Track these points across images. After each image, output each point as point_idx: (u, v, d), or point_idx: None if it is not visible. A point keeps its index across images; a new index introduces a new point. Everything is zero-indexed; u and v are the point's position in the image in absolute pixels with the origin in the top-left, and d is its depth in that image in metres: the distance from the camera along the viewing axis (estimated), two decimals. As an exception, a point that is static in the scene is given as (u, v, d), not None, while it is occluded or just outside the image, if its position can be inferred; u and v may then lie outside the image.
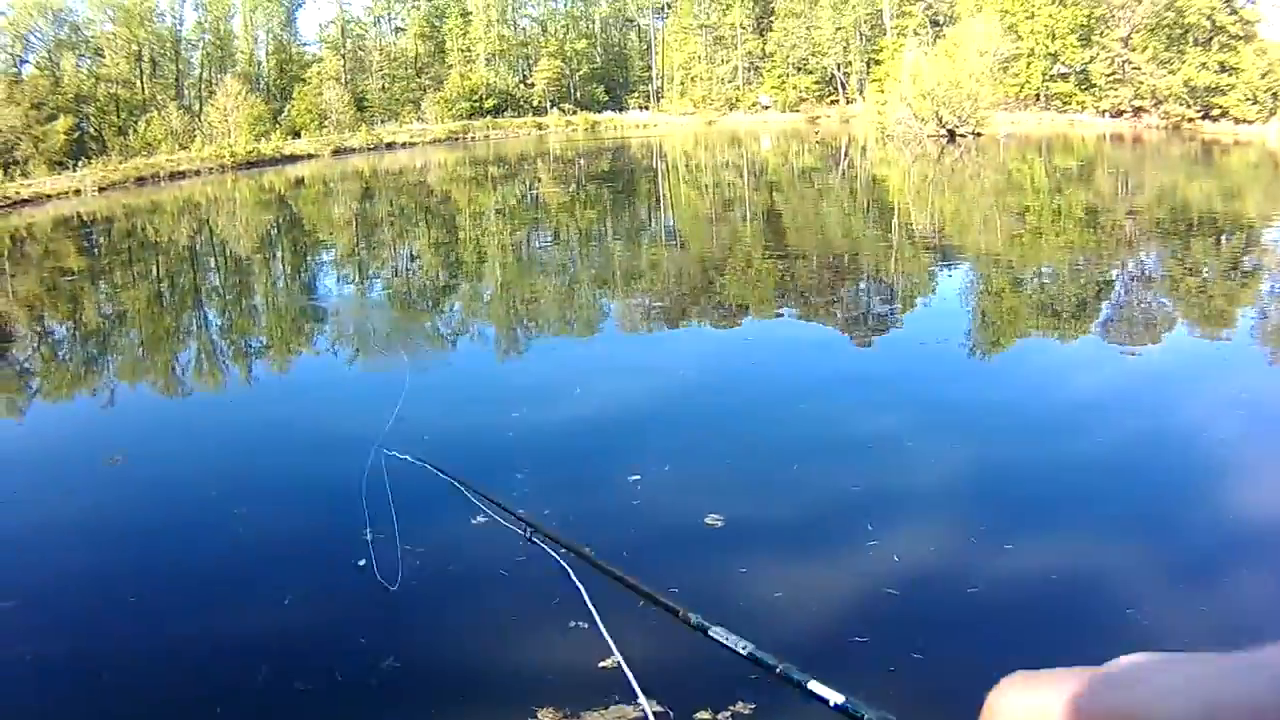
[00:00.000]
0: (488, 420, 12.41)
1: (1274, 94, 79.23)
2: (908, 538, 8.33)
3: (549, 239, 32.70)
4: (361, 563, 8.15)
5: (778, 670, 2.48)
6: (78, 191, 66.11)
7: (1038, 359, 15.15)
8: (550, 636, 6.89)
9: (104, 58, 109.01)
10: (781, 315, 19.06)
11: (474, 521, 8.25)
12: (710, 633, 2.82)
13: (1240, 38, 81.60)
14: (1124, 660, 0.99)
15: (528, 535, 4.09)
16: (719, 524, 8.56)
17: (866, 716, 2.09)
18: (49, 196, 64.51)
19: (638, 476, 9.77)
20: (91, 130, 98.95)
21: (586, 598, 3.70)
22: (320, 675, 6.99)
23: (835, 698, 2.17)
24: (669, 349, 16.78)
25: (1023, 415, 11.86)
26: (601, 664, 6.30)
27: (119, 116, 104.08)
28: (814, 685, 2.28)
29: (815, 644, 6.85)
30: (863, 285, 21.62)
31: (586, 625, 3.80)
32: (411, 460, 8.29)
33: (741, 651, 2.67)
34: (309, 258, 33.20)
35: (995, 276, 21.72)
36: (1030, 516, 8.90)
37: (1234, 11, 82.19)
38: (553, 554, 3.89)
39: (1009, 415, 11.87)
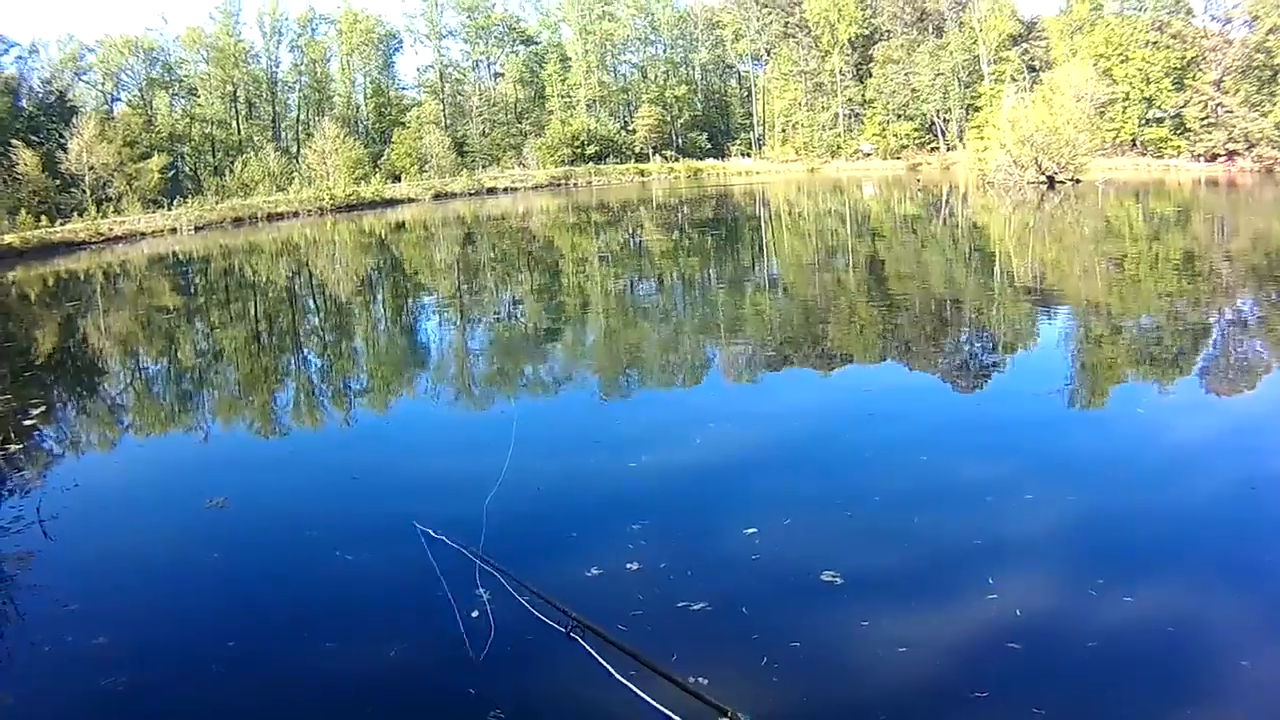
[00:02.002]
0: (600, 469, 12.38)
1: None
2: (1028, 590, 8.21)
3: (654, 286, 32.64)
4: (475, 614, 8.07)
5: None
6: (174, 230, 67.28)
7: (1147, 407, 14.75)
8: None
9: (198, 97, 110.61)
10: (890, 364, 18.90)
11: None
12: None
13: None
14: None
15: (568, 630, 3.62)
16: (839, 578, 8.45)
17: None
18: (143, 234, 65.65)
19: (754, 530, 9.65)
20: (187, 170, 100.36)
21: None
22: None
23: None
24: (779, 398, 16.47)
25: (1136, 464, 11.71)
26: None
27: (215, 156, 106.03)
28: None
29: (936, 699, 6.77)
30: (971, 334, 21.48)
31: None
32: (449, 543, 8.02)
33: None
34: (411, 301, 33.34)
35: (1100, 324, 21.40)
36: (1148, 567, 8.75)
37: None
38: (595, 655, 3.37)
39: (1122, 464, 11.65)
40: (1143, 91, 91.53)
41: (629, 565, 8.90)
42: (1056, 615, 7.78)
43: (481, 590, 8.33)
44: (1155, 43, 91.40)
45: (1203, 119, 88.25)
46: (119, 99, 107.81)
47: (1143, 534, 9.46)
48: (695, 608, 7.97)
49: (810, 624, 7.69)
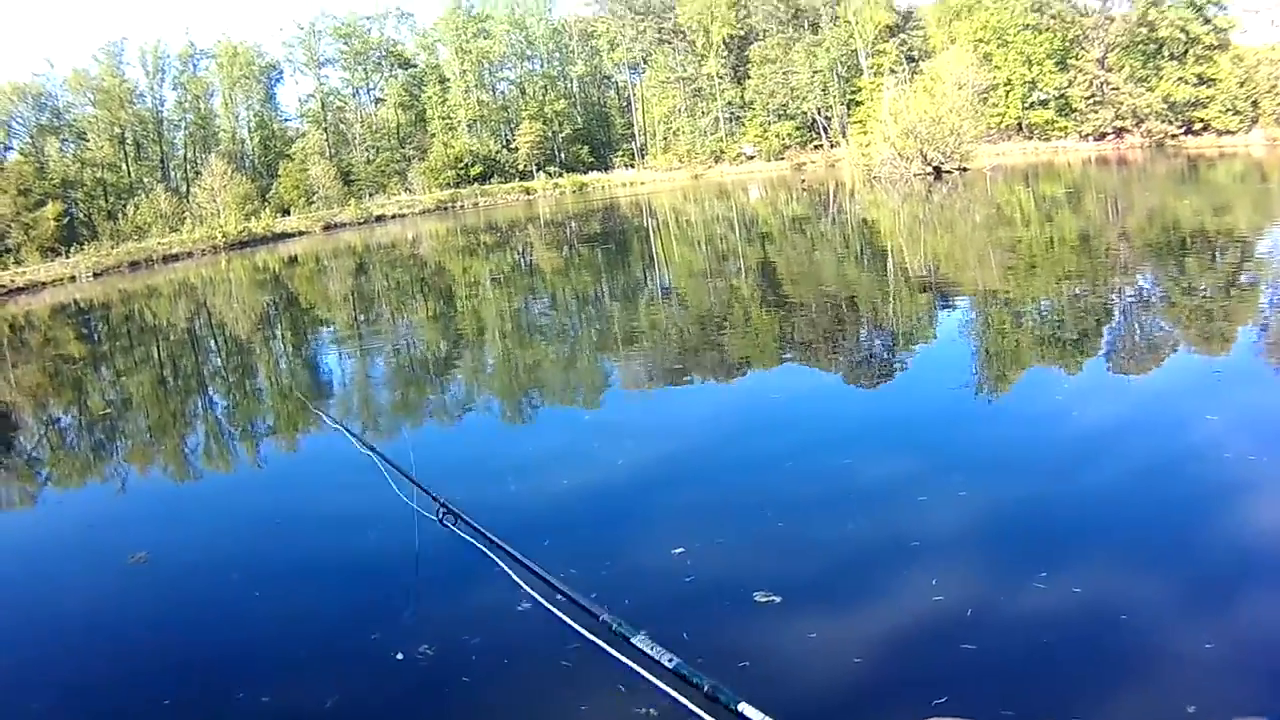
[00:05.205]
0: (514, 498, 12.00)
1: (1254, 102, 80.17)
2: (973, 589, 8.14)
3: (547, 304, 32.55)
4: (400, 655, 7.97)
5: (706, 689, 2.25)
6: (73, 278, 67.14)
7: (1065, 392, 14.71)
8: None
9: (88, 141, 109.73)
10: (796, 368, 18.75)
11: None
12: (634, 641, 2.57)
13: (1215, 47, 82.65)
14: None
15: (439, 517, 3.92)
16: (779, 592, 8.31)
17: None
18: (44, 284, 65.45)
19: (682, 549, 9.48)
20: (81, 215, 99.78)
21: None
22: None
23: None
24: (690, 411, 16.29)
25: (1063, 450, 11.62)
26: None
27: (107, 201, 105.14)
28: (746, 708, 2.05)
29: (897, 708, 6.63)
30: (876, 332, 21.41)
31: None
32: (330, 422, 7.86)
33: (666, 664, 2.43)
34: (310, 335, 33.13)
35: (1004, 312, 21.48)
36: (1091, 555, 8.66)
37: (1207, 21, 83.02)
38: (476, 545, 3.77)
39: (1049, 451, 11.67)
40: (1025, 75, 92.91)
41: (557, 597, 8.28)
42: (1006, 612, 7.72)
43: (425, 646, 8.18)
44: (1035, 25, 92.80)
45: (1088, 98, 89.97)
46: (11, 147, 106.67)
47: (1081, 521, 9.40)
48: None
49: (758, 643, 7.53)
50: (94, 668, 8.75)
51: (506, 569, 3.31)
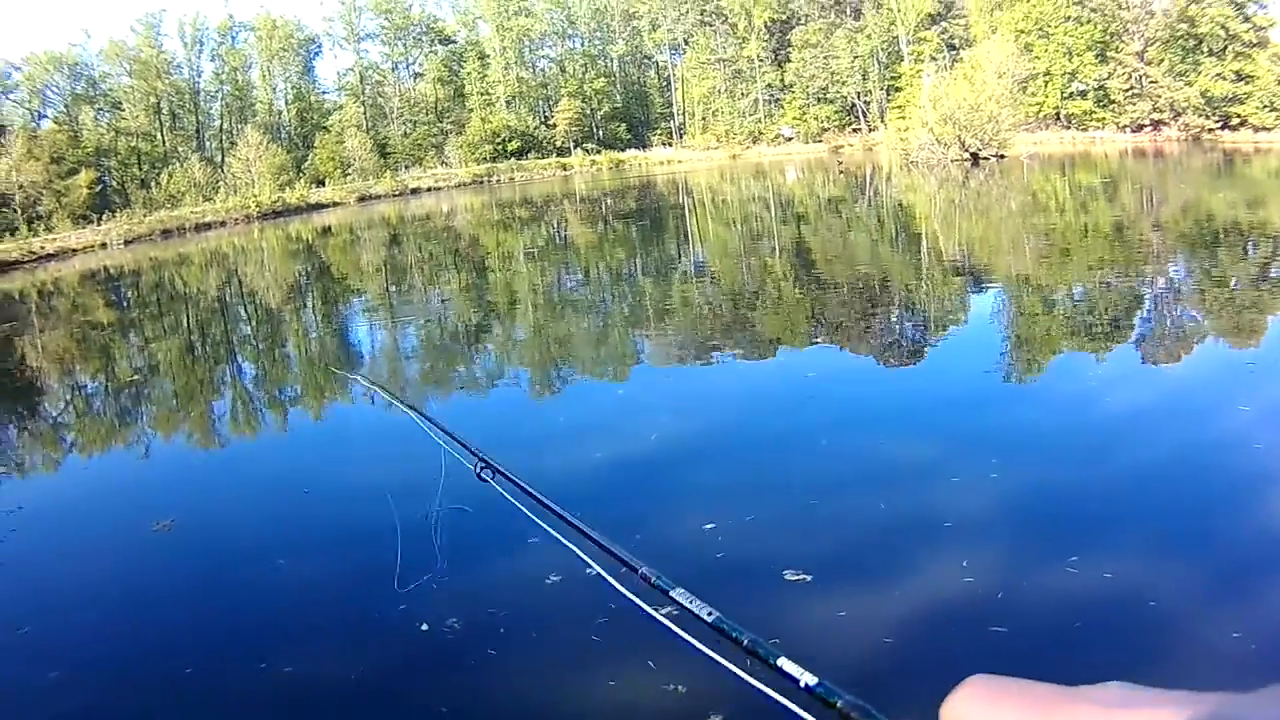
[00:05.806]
0: (548, 470, 11.73)
1: (1291, 99, 79.23)
2: (1005, 571, 8.06)
3: (580, 280, 32.45)
4: (425, 626, 7.93)
5: (745, 643, 2.22)
6: (104, 245, 67.00)
7: (1098, 379, 14.50)
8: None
9: (122, 110, 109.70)
10: (831, 349, 18.70)
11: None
12: (672, 594, 2.53)
13: (1254, 44, 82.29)
14: (1114, 686, 0.91)
15: (478, 470, 3.90)
16: (810, 569, 8.18)
17: (840, 702, 1.86)
18: (75, 250, 65.33)
19: (712, 524, 9.36)
20: (114, 184, 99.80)
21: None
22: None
23: (808, 678, 1.90)
24: (726, 387, 16.16)
25: (1096, 436, 11.46)
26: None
27: (141, 169, 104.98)
28: (784, 663, 2.01)
29: (930, 689, 6.21)
30: (911, 315, 21.23)
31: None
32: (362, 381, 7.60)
33: (706, 618, 2.40)
34: (342, 306, 33.08)
35: (1039, 299, 21.25)
36: (1123, 541, 8.54)
37: (1247, 19, 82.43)
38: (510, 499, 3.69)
39: (1083, 437, 11.49)
40: (1065, 66, 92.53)
41: (587, 570, 7.72)
42: (1037, 595, 7.61)
43: (452, 620, 8.13)
44: (1077, 18, 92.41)
45: (1127, 90, 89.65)
46: (45, 115, 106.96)
47: (1113, 506, 9.27)
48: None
49: (789, 619, 7.46)
50: (115, 635, 8.69)
51: (542, 524, 3.18)
